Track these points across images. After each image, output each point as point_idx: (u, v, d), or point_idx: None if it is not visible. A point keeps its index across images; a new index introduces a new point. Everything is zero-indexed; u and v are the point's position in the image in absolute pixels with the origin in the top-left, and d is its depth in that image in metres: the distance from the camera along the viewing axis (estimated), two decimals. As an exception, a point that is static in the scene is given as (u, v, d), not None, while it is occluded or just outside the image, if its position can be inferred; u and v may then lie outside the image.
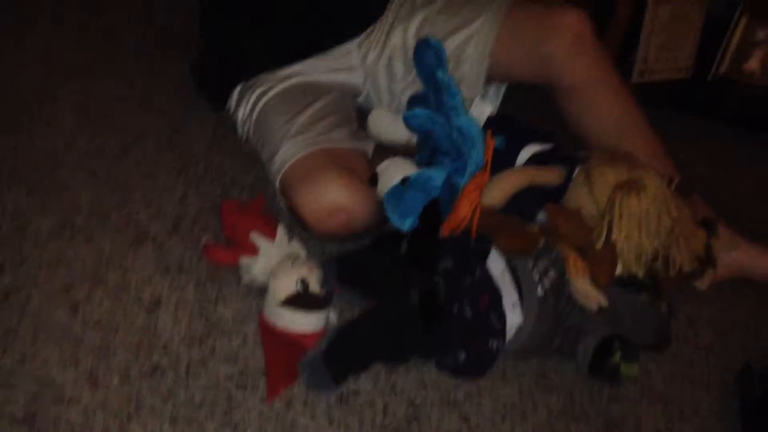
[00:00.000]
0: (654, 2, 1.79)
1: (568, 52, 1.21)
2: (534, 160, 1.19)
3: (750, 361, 1.12)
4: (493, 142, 1.17)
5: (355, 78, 1.33)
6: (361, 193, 1.07)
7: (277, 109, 1.20)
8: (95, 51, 1.46)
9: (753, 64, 1.93)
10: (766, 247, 1.29)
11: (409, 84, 1.31)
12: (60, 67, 1.39)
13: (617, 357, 1.00)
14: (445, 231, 1.13)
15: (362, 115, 1.32)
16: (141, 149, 1.26)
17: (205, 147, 1.30)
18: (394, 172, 1.14)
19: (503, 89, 1.36)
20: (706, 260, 1.12)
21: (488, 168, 1.16)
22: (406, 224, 1.11)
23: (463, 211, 1.10)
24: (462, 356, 1.00)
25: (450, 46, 1.26)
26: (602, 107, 1.26)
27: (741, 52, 1.91)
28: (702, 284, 1.20)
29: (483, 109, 1.24)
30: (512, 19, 1.25)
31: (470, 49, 1.26)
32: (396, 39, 1.29)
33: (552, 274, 1.06)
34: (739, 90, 1.93)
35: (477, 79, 1.27)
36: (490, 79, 1.29)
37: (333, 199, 1.06)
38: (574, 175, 1.17)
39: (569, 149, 1.18)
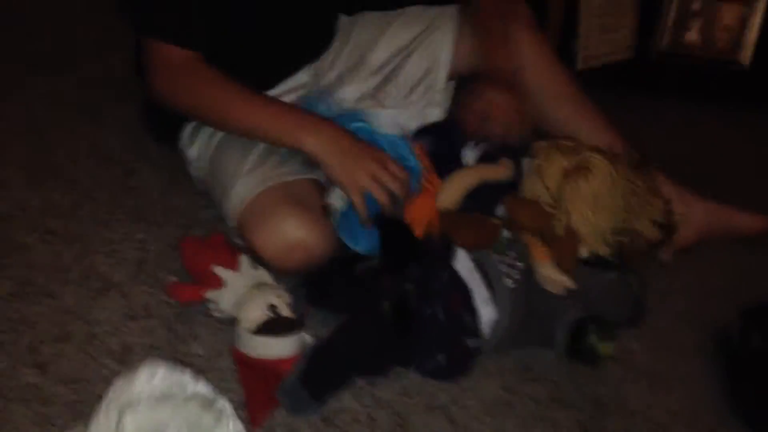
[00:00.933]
0: (587, -12, 1.83)
1: (529, 33, 1.32)
2: (482, 159, 1.20)
3: (727, 323, 1.13)
4: (421, 147, 1.17)
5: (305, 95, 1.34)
6: (317, 227, 1.07)
7: (229, 146, 1.19)
8: (40, 108, 1.45)
9: (692, 35, 1.97)
10: (733, 206, 1.34)
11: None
12: (4, 127, 1.38)
13: (593, 338, 1.00)
14: None
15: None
16: (95, 200, 1.25)
17: (161, 190, 1.29)
18: (339, 198, 1.14)
19: (451, 92, 1.37)
20: (668, 228, 1.13)
21: (432, 171, 1.17)
22: (362, 246, 1.12)
23: (420, 217, 1.11)
24: (442, 359, 1.00)
25: (417, 46, 1.32)
26: (557, 81, 1.33)
27: (679, 25, 1.95)
28: (666, 254, 1.21)
29: (431, 114, 1.27)
30: (466, 16, 1.33)
31: (434, 46, 1.32)
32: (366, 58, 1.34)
33: (519, 264, 1.06)
34: (682, 63, 1.96)
35: (440, 81, 1.32)
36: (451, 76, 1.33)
37: (290, 236, 1.06)
38: (524, 166, 1.18)
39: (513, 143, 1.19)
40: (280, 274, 1.11)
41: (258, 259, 1.09)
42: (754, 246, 1.38)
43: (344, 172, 1.06)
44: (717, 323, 1.17)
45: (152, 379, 0.77)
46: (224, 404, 0.78)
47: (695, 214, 1.30)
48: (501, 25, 1.30)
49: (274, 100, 1.16)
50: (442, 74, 1.32)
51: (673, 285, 1.27)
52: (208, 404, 0.77)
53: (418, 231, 1.17)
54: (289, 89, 1.31)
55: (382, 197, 1.06)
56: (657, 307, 1.20)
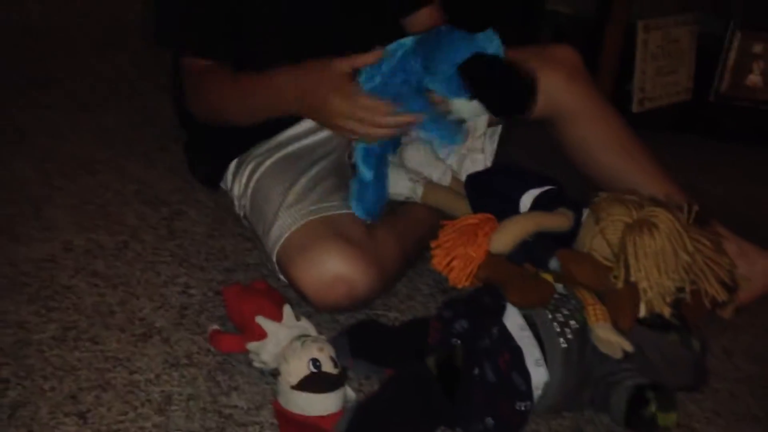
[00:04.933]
0: (643, 30, 1.78)
1: (567, 81, 1.26)
2: (538, 205, 1.16)
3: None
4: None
5: None
6: (360, 262, 1.05)
7: (272, 180, 1.18)
8: (89, 148, 1.46)
9: (754, 78, 1.90)
10: None
11: None
12: (54, 168, 1.39)
13: (653, 407, 0.94)
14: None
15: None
16: (140, 242, 1.24)
17: (205, 232, 1.28)
18: None
19: (497, 136, 1.34)
20: (732, 286, 1.07)
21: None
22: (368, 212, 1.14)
23: (471, 259, 1.08)
24: (490, 422, 0.95)
25: None
26: (605, 127, 1.28)
27: (740, 68, 1.89)
28: (726, 312, 1.15)
29: (476, 163, 1.23)
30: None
31: None
32: None
33: (573, 323, 1.02)
34: (742, 106, 1.90)
35: (480, 126, 1.27)
36: (490, 122, 1.29)
37: (331, 270, 1.04)
38: (583, 217, 1.14)
39: (572, 192, 1.15)
40: (322, 310, 1.10)
41: (300, 296, 1.07)
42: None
43: (332, 129, 1.10)
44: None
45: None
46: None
47: (758, 270, 1.23)
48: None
49: (271, 76, 1.11)
50: (482, 119, 1.28)
51: (735, 345, 1.20)
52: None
53: (467, 275, 1.14)
54: None
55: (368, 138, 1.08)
56: (718, 369, 1.14)
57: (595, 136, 1.26)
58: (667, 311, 1.03)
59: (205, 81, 1.15)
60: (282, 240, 1.09)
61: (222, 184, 1.31)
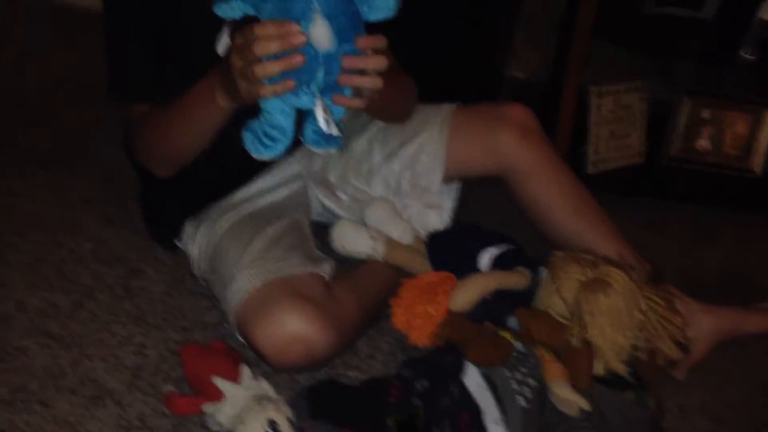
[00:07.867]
0: (597, 95, 1.84)
1: (519, 139, 1.27)
2: (497, 264, 1.17)
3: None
4: None
5: (301, 187, 1.34)
6: (319, 321, 1.04)
7: (229, 241, 1.18)
8: (44, 205, 1.44)
9: (703, 142, 1.97)
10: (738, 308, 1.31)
11: (360, 188, 1.32)
12: (7, 225, 1.37)
13: (610, 465, 0.94)
14: None
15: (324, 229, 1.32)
16: (95, 301, 1.22)
17: (163, 291, 1.27)
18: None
19: (457, 192, 1.35)
20: (685, 345, 1.09)
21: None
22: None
23: (431, 318, 1.08)
24: (449, 483, 0.95)
25: (404, 156, 1.30)
26: (558, 187, 1.29)
27: (690, 133, 1.96)
28: (679, 372, 1.16)
29: (434, 221, 1.25)
30: (460, 120, 1.31)
31: (424, 157, 1.29)
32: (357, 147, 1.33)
33: (532, 381, 1.02)
34: (692, 169, 1.96)
35: (434, 184, 1.29)
36: (446, 180, 1.31)
37: (289, 330, 1.03)
38: (540, 276, 1.15)
39: (529, 251, 1.17)
40: (280, 370, 1.08)
41: (258, 356, 1.06)
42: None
43: (242, 92, 0.94)
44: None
45: None
46: None
47: (706, 327, 1.25)
48: (480, 134, 1.28)
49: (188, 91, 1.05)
50: (436, 176, 1.29)
51: (689, 403, 1.21)
52: None
53: (428, 333, 1.14)
54: (283, 180, 1.32)
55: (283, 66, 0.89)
56: (674, 427, 1.15)
57: (548, 196, 1.27)
58: (622, 369, 1.04)
59: (146, 121, 1.12)
60: (240, 300, 1.08)
61: (179, 244, 1.30)
